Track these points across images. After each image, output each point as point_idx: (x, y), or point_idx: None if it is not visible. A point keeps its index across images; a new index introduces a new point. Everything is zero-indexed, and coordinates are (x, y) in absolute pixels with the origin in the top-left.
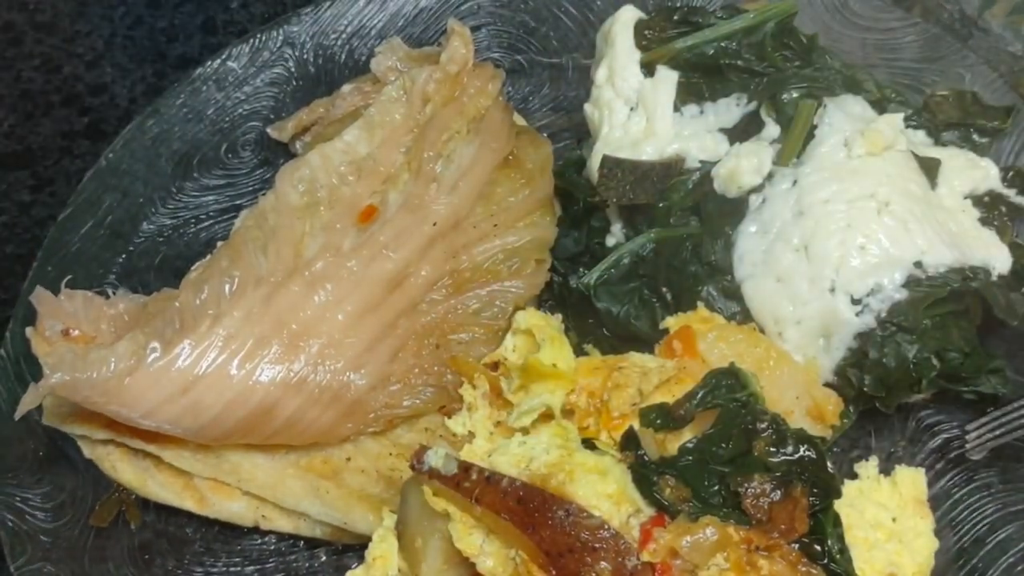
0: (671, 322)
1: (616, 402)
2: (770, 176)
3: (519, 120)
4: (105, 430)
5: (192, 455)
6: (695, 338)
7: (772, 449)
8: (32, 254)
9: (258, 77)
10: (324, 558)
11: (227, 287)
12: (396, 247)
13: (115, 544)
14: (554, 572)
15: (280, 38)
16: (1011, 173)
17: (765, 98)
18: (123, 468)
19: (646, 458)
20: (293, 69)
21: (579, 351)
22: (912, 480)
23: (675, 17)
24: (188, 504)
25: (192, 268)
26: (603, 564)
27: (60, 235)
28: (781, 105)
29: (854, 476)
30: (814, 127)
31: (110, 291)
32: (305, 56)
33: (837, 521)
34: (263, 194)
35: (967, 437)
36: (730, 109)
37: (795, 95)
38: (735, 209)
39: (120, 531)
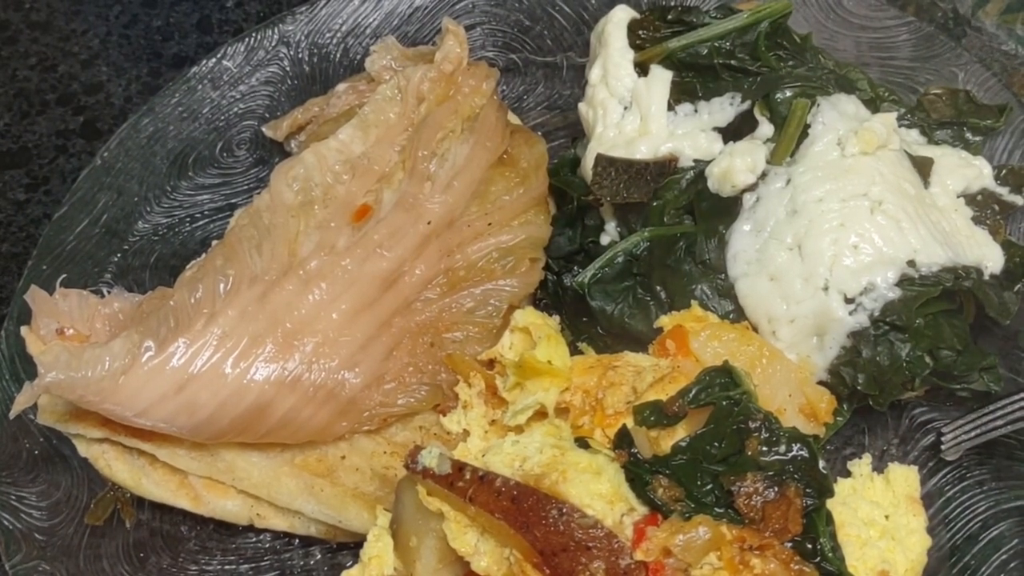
0: (665, 321)
1: (610, 400)
2: (764, 175)
3: (513, 119)
4: (100, 429)
5: (187, 453)
6: (689, 337)
7: (764, 448)
8: (27, 253)
9: (253, 76)
10: (319, 556)
11: (222, 286)
12: (390, 246)
13: (110, 542)
14: (548, 571)
15: (275, 37)
16: (1004, 171)
17: (759, 97)
18: (118, 466)
19: (639, 457)
20: (288, 68)
21: (574, 349)
22: (905, 478)
23: (669, 17)
24: (183, 502)
25: (187, 267)
26: (596, 563)
27: (55, 234)
28: (775, 104)
29: (847, 474)
30: (808, 126)
31: (105, 290)
32: (300, 55)
33: (829, 519)
34: (258, 193)
35: (943, 439)
36: (724, 108)
37: (789, 94)
38: (729, 208)
39: (115, 529)
